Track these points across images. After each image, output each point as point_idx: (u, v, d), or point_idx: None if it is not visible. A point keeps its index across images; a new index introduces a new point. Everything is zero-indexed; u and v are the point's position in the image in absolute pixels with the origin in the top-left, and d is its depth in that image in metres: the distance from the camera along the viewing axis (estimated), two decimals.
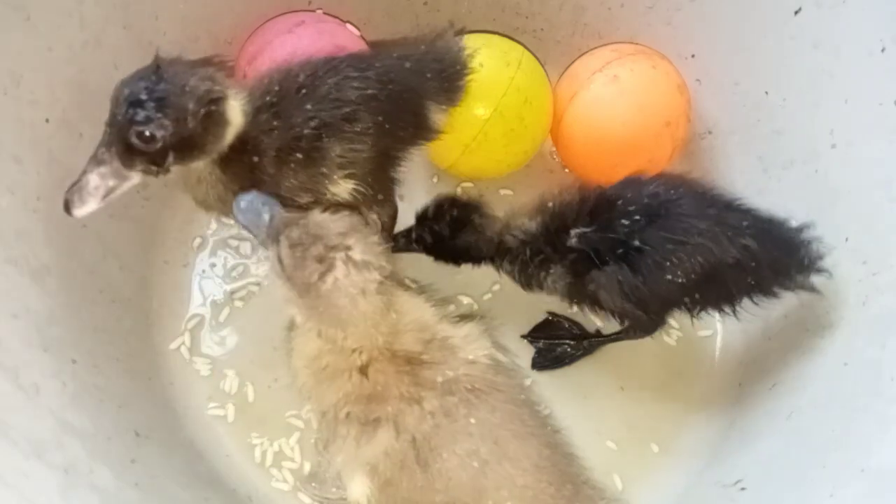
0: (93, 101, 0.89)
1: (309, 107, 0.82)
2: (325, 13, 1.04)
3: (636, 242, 0.83)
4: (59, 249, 0.87)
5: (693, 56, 1.04)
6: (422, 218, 0.95)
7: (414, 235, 0.96)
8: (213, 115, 0.75)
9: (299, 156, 0.82)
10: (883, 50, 0.82)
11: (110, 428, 0.83)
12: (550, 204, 0.90)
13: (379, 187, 0.91)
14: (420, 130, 0.92)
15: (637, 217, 0.84)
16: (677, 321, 1.02)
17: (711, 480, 0.92)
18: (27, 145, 0.83)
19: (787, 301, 0.94)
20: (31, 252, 0.83)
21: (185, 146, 0.75)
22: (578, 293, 0.90)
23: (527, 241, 0.90)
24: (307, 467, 0.95)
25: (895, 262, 0.81)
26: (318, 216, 0.77)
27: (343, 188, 0.87)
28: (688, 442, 0.98)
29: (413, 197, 1.06)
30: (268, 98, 0.81)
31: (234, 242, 1.05)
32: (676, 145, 1.02)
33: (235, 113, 0.78)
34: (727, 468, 0.90)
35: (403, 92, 0.88)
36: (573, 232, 0.86)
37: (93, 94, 0.90)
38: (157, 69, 0.74)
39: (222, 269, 1.04)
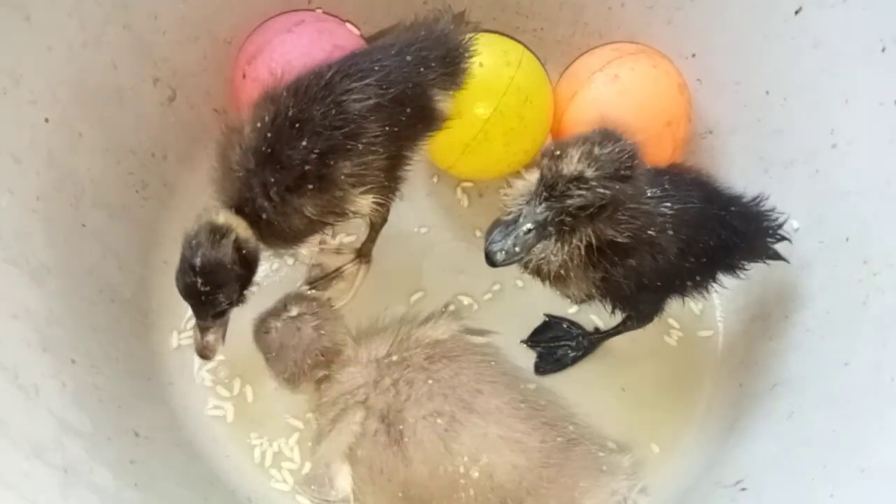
0: (92, 101, 0.90)
1: (304, 143, 0.81)
2: (324, 12, 1.04)
3: (670, 231, 0.80)
4: (59, 249, 0.86)
5: (694, 55, 1.04)
6: (566, 182, 0.70)
7: (560, 210, 0.72)
8: (245, 257, 0.83)
9: (311, 186, 0.82)
10: (883, 50, 0.82)
11: (110, 428, 0.83)
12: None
13: (390, 189, 0.91)
14: (429, 122, 0.91)
15: (668, 204, 0.81)
16: (678, 321, 1.03)
17: (711, 480, 0.91)
18: (27, 145, 0.83)
19: (788, 301, 0.94)
20: (30, 252, 0.83)
21: (245, 285, 0.86)
22: (604, 283, 0.84)
23: None
24: (307, 468, 0.95)
25: (895, 262, 0.81)
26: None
27: (363, 204, 0.87)
28: (688, 442, 0.98)
29: (413, 197, 1.06)
30: (264, 148, 0.82)
31: None
32: (677, 145, 1.02)
33: (243, 230, 0.84)
34: (727, 468, 0.90)
35: (407, 90, 0.86)
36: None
37: (92, 94, 0.90)
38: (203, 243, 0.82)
39: None
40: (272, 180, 0.82)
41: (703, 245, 0.83)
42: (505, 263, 0.73)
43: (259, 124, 0.83)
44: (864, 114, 0.85)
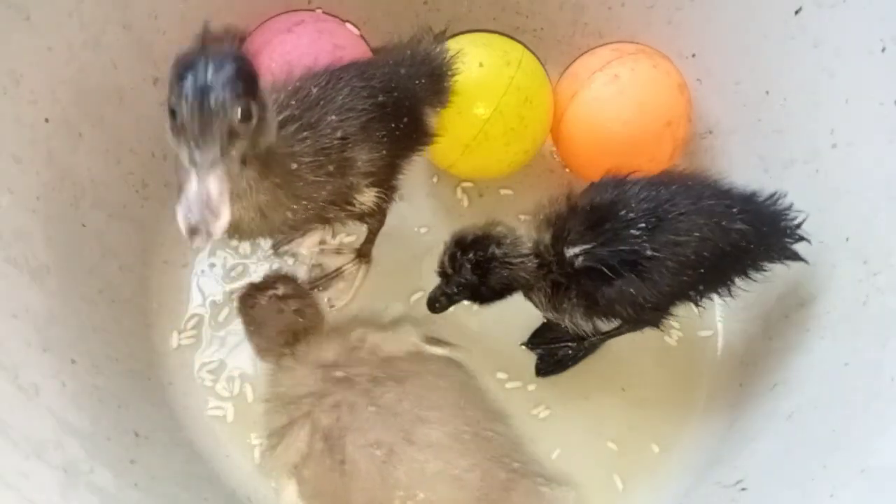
0: (92, 101, 0.90)
1: (333, 117, 0.81)
2: (324, 12, 1.04)
3: (648, 251, 0.81)
4: (59, 249, 0.86)
5: (694, 55, 1.04)
6: (445, 275, 0.86)
7: (449, 291, 0.87)
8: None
9: (330, 167, 0.81)
10: (883, 50, 0.82)
11: (110, 428, 0.83)
12: (547, 218, 0.85)
13: (384, 197, 0.92)
14: (421, 136, 0.93)
15: (642, 224, 0.82)
16: (678, 321, 1.02)
17: (711, 480, 0.91)
18: (27, 145, 0.83)
19: (788, 301, 0.94)
20: (30, 252, 0.83)
21: (264, 122, 0.67)
22: (594, 313, 0.86)
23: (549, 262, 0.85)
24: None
25: (895, 262, 0.81)
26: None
27: (368, 197, 0.87)
28: (688, 442, 0.98)
29: (413, 197, 1.06)
30: (288, 112, 0.78)
31: (233, 242, 1.04)
32: (677, 145, 1.02)
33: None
34: (727, 468, 0.90)
35: (405, 99, 0.88)
36: (576, 250, 0.82)
37: (93, 94, 0.90)
38: (204, 48, 0.67)
39: (221, 269, 1.04)
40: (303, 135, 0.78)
41: (698, 257, 0.82)
42: (437, 312, 0.89)
43: (276, 96, 0.80)
44: (864, 114, 0.85)
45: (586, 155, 1.03)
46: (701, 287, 0.87)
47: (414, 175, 1.03)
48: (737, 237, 0.83)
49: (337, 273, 1.03)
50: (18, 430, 0.72)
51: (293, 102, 0.80)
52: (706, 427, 0.98)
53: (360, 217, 0.92)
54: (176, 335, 1.00)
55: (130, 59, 0.93)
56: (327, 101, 0.82)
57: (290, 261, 1.05)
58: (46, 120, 0.85)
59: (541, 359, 1.01)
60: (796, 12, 0.90)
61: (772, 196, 0.88)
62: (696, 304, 0.90)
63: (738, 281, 0.88)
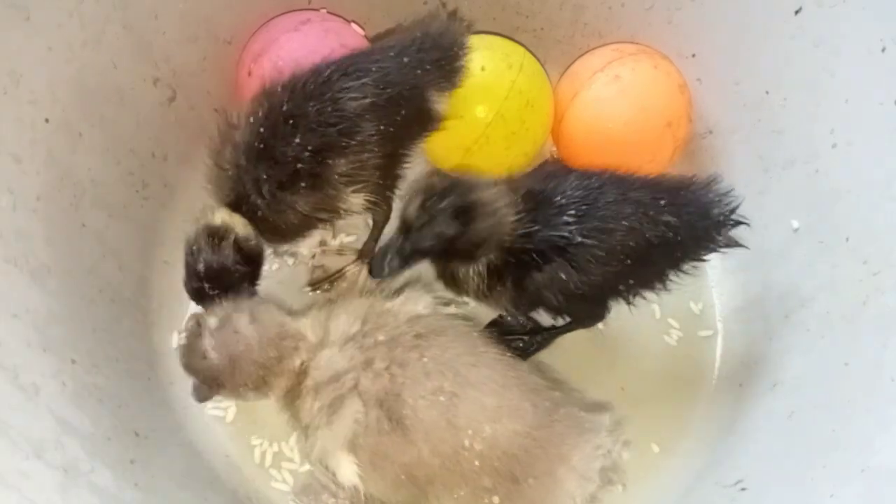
0: (92, 101, 0.90)
1: (297, 140, 0.82)
2: (328, 13, 1.04)
3: (578, 238, 0.82)
4: (59, 249, 0.86)
5: (694, 55, 1.04)
6: (410, 229, 0.80)
7: (408, 249, 0.81)
8: (247, 254, 0.87)
9: (303, 184, 0.84)
10: (883, 50, 0.82)
11: (110, 428, 0.83)
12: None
13: (387, 187, 0.92)
14: (425, 123, 0.92)
15: (573, 211, 0.83)
16: (678, 321, 1.03)
17: (711, 480, 0.92)
18: (27, 145, 0.83)
19: (788, 301, 0.94)
20: (31, 252, 0.83)
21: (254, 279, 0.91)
22: (522, 299, 0.88)
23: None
24: (306, 468, 0.95)
25: (895, 261, 0.81)
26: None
27: (355, 202, 0.89)
28: (688, 442, 0.98)
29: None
30: (256, 143, 0.83)
31: None
32: (678, 145, 1.02)
33: (241, 227, 0.86)
34: (727, 468, 0.90)
35: (404, 91, 0.87)
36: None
37: (92, 94, 0.90)
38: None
39: None
40: (264, 177, 0.83)
41: (625, 247, 0.83)
42: (378, 277, 0.85)
43: (252, 119, 0.84)
44: (864, 114, 0.85)
45: (587, 155, 1.03)
46: (631, 281, 0.87)
47: (414, 175, 1.03)
48: (664, 229, 0.84)
49: (339, 274, 1.03)
50: (18, 430, 0.72)
51: (263, 130, 0.83)
52: (706, 427, 0.98)
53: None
54: (176, 335, 1.00)
55: (130, 59, 0.93)
56: (299, 117, 0.83)
57: (290, 260, 1.05)
58: (46, 120, 0.85)
59: None
60: (796, 12, 0.90)
61: (706, 183, 0.87)
62: (628, 302, 0.90)
63: (671, 275, 0.88)
